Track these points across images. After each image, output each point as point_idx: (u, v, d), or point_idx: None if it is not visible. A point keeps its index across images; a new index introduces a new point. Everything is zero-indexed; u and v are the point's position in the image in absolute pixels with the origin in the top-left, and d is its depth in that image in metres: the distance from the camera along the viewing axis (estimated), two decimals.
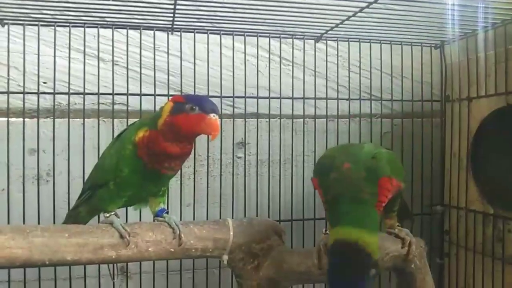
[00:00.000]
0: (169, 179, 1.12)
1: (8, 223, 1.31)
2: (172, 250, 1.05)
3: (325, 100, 1.57)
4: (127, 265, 1.48)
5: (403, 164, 1.59)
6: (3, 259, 0.91)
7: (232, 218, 1.22)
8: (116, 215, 1.05)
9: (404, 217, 1.31)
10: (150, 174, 1.04)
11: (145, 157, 1.01)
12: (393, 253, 1.07)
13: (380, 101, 1.65)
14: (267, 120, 1.55)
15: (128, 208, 1.23)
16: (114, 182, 1.05)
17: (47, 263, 0.94)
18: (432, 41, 1.61)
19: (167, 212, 1.11)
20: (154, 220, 1.11)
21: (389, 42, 1.59)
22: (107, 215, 1.05)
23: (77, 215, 1.16)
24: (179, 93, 1.45)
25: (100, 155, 1.31)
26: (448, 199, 1.60)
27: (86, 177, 1.34)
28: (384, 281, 1.57)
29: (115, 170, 1.04)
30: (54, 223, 1.31)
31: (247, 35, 1.48)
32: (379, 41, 1.58)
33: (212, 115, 0.99)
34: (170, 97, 1.41)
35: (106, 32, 1.41)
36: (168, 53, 1.44)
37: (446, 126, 1.62)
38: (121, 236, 1.00)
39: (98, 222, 1.11)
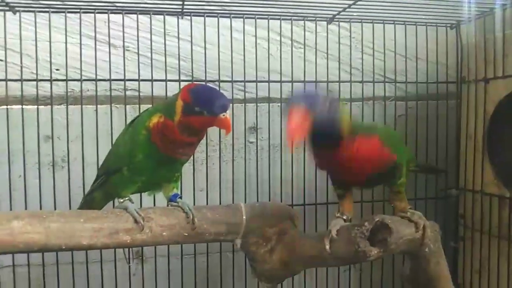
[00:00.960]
0: (182, 164, 1.12)
1: (26, 208, 1.34)
2: (186, 234, 1.06)
3: (337, 83, 1.55)
4: (142, 249, 1.50)
5: (417, 147, 1.58)
6: (21, 244, 0.92)
7: (245, 202, 1.22)
8: (130, 200, 1.06)
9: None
10: (164, 159, 1.04)
11: (159, 142, 1.02)
12: (407, 237, 1.06)
13: (394, 84, 1.62)
14: (279, 104, 1.54)
15: (143, 193, 1.24)
16: (128, 167, 1.06)
17: (63, 247, 0.95)
18: (447, 21, 1.57)
19: (181, 197, 1.11)
20: (168, 205, 1.12)
21: (403, 23, 1.55)
22: (121, 200, 1.06)
23: (92, 200, 1.17)
24: (190, 79, 1.45)
25: (113, 141, 1.33)
26: (463, 183, 1.58)
27: (100, 163, 1.36)
28: (397, 265, 1.57)
29: (129, 156, 1.05)
30: (69, 208, 1.34)
31: (258, 18, 1.47)
32: (393, 22, 1.54)
33: (222, 115, 0.96)
34: (181, 83, 1.42)
35: (116, 18, 1.40)
36: (178, 37, 1.43)
37: (462, 108, 1.59)
38: (136, 221, 1.01)
39: (113, 207, 1.13)
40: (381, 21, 1.54)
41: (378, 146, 1.03)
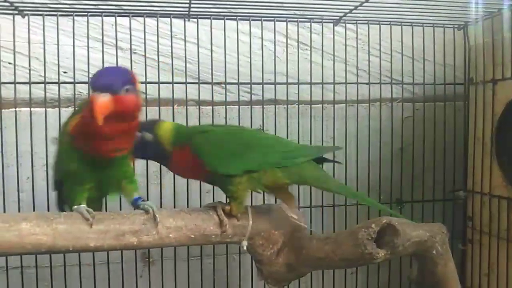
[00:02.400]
0: (124, 161, 1.03)
1: (34, 210, 1.35)
2: (193, 236, 1.06)
3: (344, 85, 1.55)
4: (149, 251, 1.50)
5: (425, 149, 1.57)
6: (29, 245, 0.93)
7: (251, 204, 1.22)
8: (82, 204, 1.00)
9: None
10: (98, 161, 0.98)
11: (83, 144, 0.96)
12: (414, 239, 1.05)
13: (401, 85, 1.61)
14: (285, 106, 1.54)
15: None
16: (67, 179, 1.02)
17: (70, 249, 0.96)
18: (455, 22, 1.56)
19: (143, 200, 1.06)
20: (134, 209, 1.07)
21: (410, 24, 1.54)
22: (75, 207, 1.00)
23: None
24: (196, 81, 1.45)
25: None
26: (471, 185, 1.57)
27: None
28: (405, 267, 1.55)
29: (64, 167, 1.01)
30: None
31: (264, 20, 1.47)
32: (399, 23, 1.54)
33: (95, 94, 0.87)
34: (187, 85, 1.43)
35: (123, 21, 1.41)
36: (185, 40, 1.44)
37: (470, 109, 1.58)
38: (86, 218, 0.96)
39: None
40: (388, 23, 1.53)
41: (187, 156, 1.05)
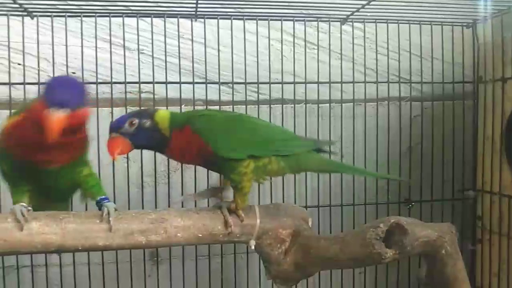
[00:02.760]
0: (71, 169, 1.00)
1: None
2: (200, 235, 1.06)
3: (351, 84, 1.54)
4: (157, 250, 1.51)
5: (433, 148, 1.56)
6: (39, 245, 0.94)
7: (259, 204, 1.22)
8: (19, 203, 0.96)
9: None
10: (29, 168, 0.93)
11: (12, 149, 0.91)
12: (423, 239, 1.05)
13: (409, 84, 1.60)
14: (292, 105, 1.54)
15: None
16: (4, 175, 1.00)
17: (79, 248, 0.97)
18: (463, 20, 1.55)
19: (108, 201, 1.04)
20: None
21: (418, 23, 1.53)
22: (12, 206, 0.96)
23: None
24: (204, 81, 1.45)
25: None
26: (480, 184, 1.55)
27: (116, 165, 1.38)
28: (413, 267, 1.55)
29: None
30: (85, 209, 1.35)
31: (271, 20, 1.47)
32: (407, 22, 1.53)
33: (52, 110, 0.83)
34: (195, 85, 1.43)
35: (131, 21, 1.42)
36: (192, 40, 1.44)
37: (479, 108, 1.57)
38: (18, 221, 0.92)
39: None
40: (396, 21, 1.52)
41: (188, 136, 1.02)
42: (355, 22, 1.53)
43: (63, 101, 0.84)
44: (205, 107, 1.46)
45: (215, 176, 1.40)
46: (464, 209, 1.60)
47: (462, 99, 1.60)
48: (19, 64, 1.39)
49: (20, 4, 1.28)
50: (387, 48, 1.57)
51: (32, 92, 1.37)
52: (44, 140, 0.84)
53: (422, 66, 1.60)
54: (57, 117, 0.83)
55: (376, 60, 1.56)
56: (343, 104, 1.56)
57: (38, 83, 1.37)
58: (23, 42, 1.36)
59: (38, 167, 0.93)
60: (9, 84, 1.35)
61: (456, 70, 1.59)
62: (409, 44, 1.56)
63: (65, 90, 0.86)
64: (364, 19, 1.51)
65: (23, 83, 1.36)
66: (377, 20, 1.52)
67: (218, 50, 1.45)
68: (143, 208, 1.40)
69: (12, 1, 1.26)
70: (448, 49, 1.57)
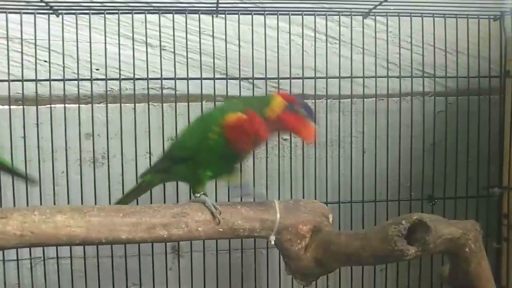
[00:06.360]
0: (240, 161, 1.19)
1: (68, 203, 1.39)
2: (221, 230, 1.07)
3: (374, 79, 1.52)
4: (178, 244, 1.53)
5: (458, 144, 1.53)
6: (64, 237, 0.96)
7: (279, 199, 1.22)
8: (205, 194, 1.09)
9: None
10: (229, 155, 1.07)
11: (232, 138, 1.04)
12: (446, 236, 1.03)
13: (433, 78, 1.57)
14: (313, 101, 1.53)
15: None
16: (193, 161, 1.08)
17: (103, 241, 0.99)
18: (490, 12, 1.51)
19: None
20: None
21: (442, 16, 1.50)
22: (197, 195, 1.08)
23: (149, 183, 1.22)
24: (224, 76, 1.46)
25: (151, 138, 1.37)
26: (506, 181, 1.51)
27: (138, 159, 1.41)
28: (436, 265, 1.52)
29: (196, 150, 1.07)
30: (109, 203, 1.38)
31: (292, 14, 1.46)
32: (431, 15, 1.50)
33: (313, 123, 1.05)
34: (215, 81, 1.44)
35: (153, 18, 1.43)
36: (213, 36, 1.45)
37: (506, 103, 1.52)
38: (213, 215, 1.04)
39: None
40: (420, 14, 1.49)
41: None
42: (377, 15, 1.51)
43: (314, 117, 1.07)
44: None
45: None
46: (489, 207, 1.56)
47: (488, 94, 1.55)
48: (45, 61, 1.42)
49: (46, 3, 1.32)
50: (411, 42, 1.54)
51: (58, 88, 1.41)
52: (263, 136, 1.06)
53: (446, 60, 1.57)
54: (314, 127, 1.06)
55: (399, 54, 1.54)
56: (365, 99, 1.54)
57: (63, 80, 1.40)
58: (48, 40, 1.39)
59: (238, 155, 1.10)
60: (36, 80, 1.39)
61: (482, 64, 1.55)
62: (434, 37, 1.53)
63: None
64: (387, 12, 1.48)
65: (49, 80, 1.39)
66: (400, 14, 1.49)
67: (239, 46, 1.45)
68: (164, 202, 1.42)
69: (39, 0, 1.29)
70: (474, 43, 1.53)
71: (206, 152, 1.06)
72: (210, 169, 1.09)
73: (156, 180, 1.22)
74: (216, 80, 1.45)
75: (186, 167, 1.10)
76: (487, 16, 1.53)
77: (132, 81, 1.43)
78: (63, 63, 1.40)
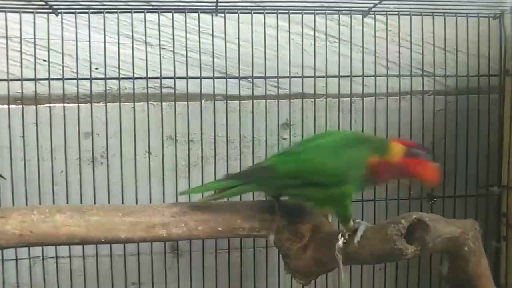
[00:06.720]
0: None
1: (67, 202, 1.39)
2: (220, 229, 1.07)
3: (373, 78, 1.52)
4: (177, 243, 1.53)
5: (457, 143, 1.53)
6: (63, 236, 0.97)
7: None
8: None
9: None
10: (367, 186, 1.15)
11: (369, 176, 1.07)
12: (445, 235, 1.03)
13: (432, 77, 1.57)
14: (313, 100, 1.53)
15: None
16: (337, 187, 1.07)
17: (102, 240, 0.99)
18: (490, 11, 1.51)
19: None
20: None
21: (442, 14, 1.50)
22: (357, 221, 1.08)
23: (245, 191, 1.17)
24: (224, 76, 1.46)
25: (150, 138, 1.36)
26: (506, 180, 1.51)
27: (138, 158, 1.41)
28: (435, 264, 1.52)
29: (341, 177, 1.06)
30: (108, 202, 1.38)
31: (292, 13, 1.46)
32: (431, 14, 1.49)
33: (435, 164, 1.06)
34: (215, 80, 1.44)
35: (152, 17, 1.43)
36: (212, 35, 1.44)
37: (505, 102, 1.52)
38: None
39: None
40: (419, 13, 1.49)
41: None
42: (377, 14, 1.51)
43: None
44: (225, 102, 1.47)
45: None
46: (488, 206, 1.56)
47: (487, 92, 1.55)
48: (44, 60, 1.42)
49: (46, 2, 1.31)
50: (410, 41, 1.54)
51: (57, 87, 1.41)
52: (388, 179, 1.16)
53: (446, 59, 1.56)
54: (437, 167, 1.07)
55: (399, 53, 1.54)
56: (364, 98, 1.54)
57: (62, 79, 1.40)
58: (48, 39, 1.39)
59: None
60: (35, 80, 1.38)
61: (482, 62, 1.55)
62: (433, 36, 1.52)
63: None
64: (386, 11, 1.48)
65: (48, 79, 1.39)
66: (400, 13, 1.49)
67: (238, 45, 1.45)
68: (164, 201, 1.42)
69: None
70: (474, 42, 1.53)
71: (352, 181, 1.07)
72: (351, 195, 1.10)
73: (252, 189, 1.18)
74: (215, 79, 1.45)
75: (327, 192, 1.07)
76: (486, 15, 1.53)
77: (131, 80, 1.42)
78: (63, 62, 1.40)
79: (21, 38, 1.37)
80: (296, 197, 1.13)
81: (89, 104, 1.43)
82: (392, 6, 1.44)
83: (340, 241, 1.06)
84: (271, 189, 1.14)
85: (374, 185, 1.22)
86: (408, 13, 1.49)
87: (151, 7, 1.41)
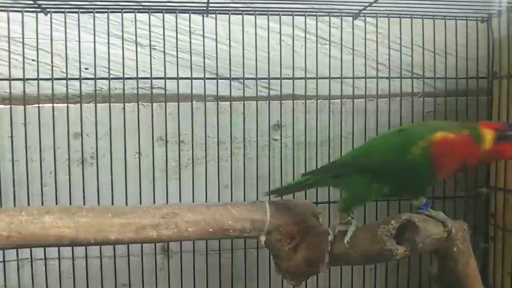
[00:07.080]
0: (433, 185, 1.22)
1: (56, 203, 1.38)
2: (211, 230, 1.07)
3: (363, 79, 1.53)
4: (168, 244, 1.52)
5: None
6: (52, 238, 0.96)
7: (269, 199, 1.22)
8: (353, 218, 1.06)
9: None
10: (423, 174, 1.01)
11: (437, 157, 0.97)
12: (435, 236, 1.04)
13: (422, 79, 1.58)
14: (303, 101, 1.53)
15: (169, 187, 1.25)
16: (375, 173, 1.02)
17: (92, 242, 0.98)
18: (478, 15, 1.53)
19: (432, 207, 1.08)
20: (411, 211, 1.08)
21: (431, 17, 1.51)
22: (348, 217, 1.05)
23: (311, 185, 1.21)
24: (215, 76, 1.46)
25: (140, 138, 1.36)
26: (494, 181, 1.53)
27: (128, 159, 1.40)
28: (424, 265, 1.54)
29: (389, 161, 1.00)
30: (98, 203, 1.37)
31: (283, 15, 1.46)
32: (420, 16, 1.51)
33: None
34: (206, 81, 1.44)
35: (143, 17, 1.43)
36: (203, 36, 1.44)
37: (493, 104, 1.54)
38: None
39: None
40: (409, 16, 1.51)
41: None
42: (367, 16, 1.52)
43: None
44: (216, 102, 1.47)
45: (226, 173, 1.41)
46: (477, 207, 1.58)
47: (476, 95, 1.57)
48: (33, 60, 1.41)
49: (34, 0, 1.30)
50: (400, 43, 1.55)
51: (46, 87, 1.39)
52: (475, 162, 1.02)
53: (435, 61, 1.58)
54: None
55: (389, 55, 1.55)
56: (355, 100, 1.55)
57: (51, 79, 1.38)
58: (37, 38, 1.37)
59: (435, 174, 1.01)
60: (24, 79, 1.37)
61: (470, 65, 1.57)
62: (422, 39, 1.54)
63: None
64: (376, 13, 1.49)
65: (37, 79, 1.38)
66: (390, 15, 1.50)
67: (229, 46, 1.45)
68: (154, 202, 1.41)
69: None
70: (462, 44, 1.55)
71: (398, 167, 0.99)
72: (389, 185, 1.02)
73: (321, 183, 1.20)
74: (206, 80, 1.44)
75: (362, 177, 1.03)
76: (475, 18, 1.55)
77: (121, 80, 1.42)
78: (52, 62, 1.39)
79: (9, 37, 1.35)
80: (342, 186, 1.11)
81: (78, 104, 1.42)
82: (382, 8, 1.45)
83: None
84: (329, 180, 1.14)
85: (439, 173, 1.01)
86: (398, 15, 1.50)
87: (141, 7, 1.40)
